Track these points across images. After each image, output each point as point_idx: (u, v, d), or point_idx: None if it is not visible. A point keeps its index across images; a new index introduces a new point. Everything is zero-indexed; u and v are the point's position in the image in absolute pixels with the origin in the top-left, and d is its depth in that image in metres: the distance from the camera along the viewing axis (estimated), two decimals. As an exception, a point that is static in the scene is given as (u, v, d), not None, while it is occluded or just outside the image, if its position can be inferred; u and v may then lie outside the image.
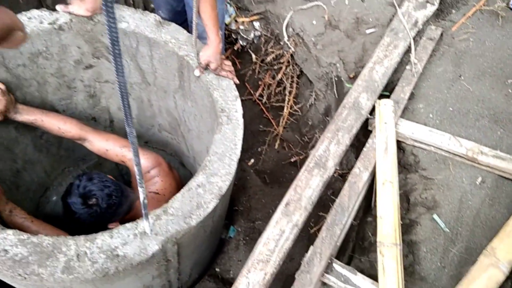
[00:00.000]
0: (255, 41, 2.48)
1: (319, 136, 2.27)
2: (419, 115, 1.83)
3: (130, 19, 1.85)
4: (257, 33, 2.42)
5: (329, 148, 1.58)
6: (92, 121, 2.41)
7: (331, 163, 1.54)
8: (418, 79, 1.92)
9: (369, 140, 1.71)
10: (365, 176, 1.59)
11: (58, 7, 1.77)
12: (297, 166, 2.43)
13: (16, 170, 2.12)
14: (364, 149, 1.68)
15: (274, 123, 2.53)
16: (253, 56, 2.52)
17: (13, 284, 1.43)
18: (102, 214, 1.71)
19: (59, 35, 1.81)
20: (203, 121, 2.01)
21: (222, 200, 1.52)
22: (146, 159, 1.95)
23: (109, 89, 2.22)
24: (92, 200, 1.68)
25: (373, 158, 1.64)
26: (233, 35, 2.46)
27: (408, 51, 1.99)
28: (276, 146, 2.51)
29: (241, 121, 1.67)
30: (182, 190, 1.48)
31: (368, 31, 2.05)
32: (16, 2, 2.42)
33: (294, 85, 2.35)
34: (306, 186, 1.47)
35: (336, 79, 2.03)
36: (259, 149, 2.48)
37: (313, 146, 2.24)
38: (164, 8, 2.27)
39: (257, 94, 2.53)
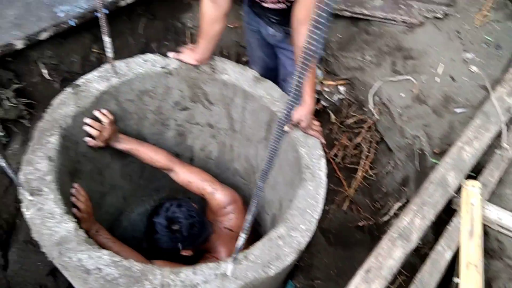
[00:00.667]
0: (337, 103, 2.58)
1: (393, 205, 2.28)
2: (506, 201, 1.81)
3: (231, 72, 2.01)
4: (341, 96, 2.53)
5: (413, 221, 1.60)
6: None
7: (415, 236, 1.56)
8: (508, 165, 1.91)
9: (454, 219, 1.70)
10: (448, 255, 1.58)
11: (170, 54, 1.97)
12: (364, 231, 2.43)
13: (103, 193, 2.29)
14: (449, 227, 1.68)
15: (345, 184, 2.57)
16: (332, 116, 2.61)
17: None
18: (180, 241, 1.82)
19: (166, 78, 2.00)
20: (281, 173, 2.09)
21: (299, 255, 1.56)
22: (224, 195, 2.07)
23: (197, 130, 2.38)
24: (176, 226, 1.81)
25: (457, 238, 1.63)
26: (316, 95, 2.58)
27: (499, 135, 1.99)
28: (345, 208, 2.53)
29: (324, 180, 1.73)
30: (263, 239, 1.55)
31: (457, 110, 2.09)
32: (126, 42, 2.69)
33: (372, 150, 2.40)
34: (388, 256, 1.49)
35: (419, 151, 2.06)
36: (327, 207, 2.51)
37: (385, 214, 2.25)
38: (258, 64, 2.44)
39: (332, 153, 2.59)
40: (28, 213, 1.45)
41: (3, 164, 1.27)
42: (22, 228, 2.36)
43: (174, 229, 1.82)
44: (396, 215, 2.21)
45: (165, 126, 2.30)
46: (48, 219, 1.45)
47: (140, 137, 2.27)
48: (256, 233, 2.33)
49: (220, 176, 2.76)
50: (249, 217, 1.13)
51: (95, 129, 1.83)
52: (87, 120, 1.80)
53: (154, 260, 1.83)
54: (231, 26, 2.84)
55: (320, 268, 2.47)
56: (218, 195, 2.08)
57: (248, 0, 2.10)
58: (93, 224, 1.91)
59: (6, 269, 2.22)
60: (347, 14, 2.56)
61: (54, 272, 2.39)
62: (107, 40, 1.64)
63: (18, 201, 2.37)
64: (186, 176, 2.11)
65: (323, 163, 1.77)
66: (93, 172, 2.08)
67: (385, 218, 2.25)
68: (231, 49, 2.92)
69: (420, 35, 2.40)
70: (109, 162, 2.19)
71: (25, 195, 1.47)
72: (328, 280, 2.41)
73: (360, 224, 2.43)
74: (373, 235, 2.43)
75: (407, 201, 2.17)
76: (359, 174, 2.46)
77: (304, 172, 1.73)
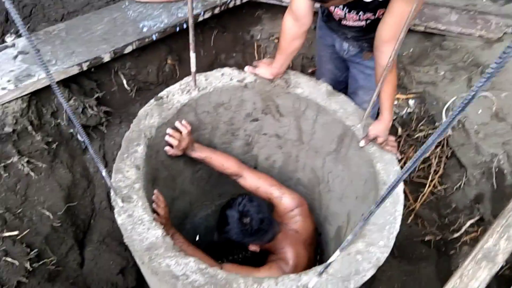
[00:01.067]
0: (405, 117, 2.56)
1: (465, 221, 2.23)
2: None
3: (305, 86, 2.04)
4: (409, 110, 2.51)
5: (499, 243, 1.57)
6: (239, 166, 2.63)
7: (500, 258, 1.53)
8: None
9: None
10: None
11: (246, 68, 2.04)
12: (430, 246, 2.39)
13: (173, 198, 2.38)
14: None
15: (410, 198, 2.54)
16: (399, 129, 2.59)
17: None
18: (249, 235, 1.90)
19: (242, 91, 2.07)
20: (351, 187, 2.10)
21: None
22: (292, 199, 2.14)
23: (264, 140, 2.43)
24: (247, 219, 1.89)
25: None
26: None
27: None
28: (409, 221, 2.50)
29: (401, 196, 1.73)
30: (342, 253, 1.56)
31: (540, 129, 2.03)
32: (198, 53, 2.77)
33: (442, 165, 2.36)
34: (473, 277, 1.48)
35: (497, 169, 2.02)
36: (390, 221, 2.48)
37: (455, 230, 2.21)
38: (327, 77, 2.47)
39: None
40: (120, 219, 1.54)
41: (104, 173, 1.36)
42: (96, 228, 2.50)
43: (245, 222, 1.90)
44: (467, 232, 2.16)
45: (235, 136, 2.36)
46: (138, 225, 1.53)
47: (211, 146, 2.35)
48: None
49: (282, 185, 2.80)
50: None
51: (175, 139, 1.91)
52: (169, 131, 1.89)
53: (224, 264, 1.90)
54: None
55: (383, 281, 2.46)
56: (285, 199, 2.14)
57: (324, 16, 2.13)
58: (170, 229, 2.01)
59: (82, 267, 2.35)
60: (420, 29, 2.53)
61: (123, 271, 2.51)
62: (192, 55, 1.72)
63: (93, 202, 2.52)
64: (254, 181, 2.18)
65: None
66: (167, 179, 2.18)
67: (455, 235, 2.20)
68: (295, 61, 2.97)
69: (498, 51, 2.34)
70: (182, 169, 2.28)
71: (117, 202, 1.56)
72: (391, 294, 2.39)
73: (426, 238, 2.40)
74: (440, 250, 2.39)
75: (481, 219, 2.13)
76: (427, 188, 2.42)
77: (381, 188, 1.74)
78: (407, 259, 2.42)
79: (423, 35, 2.61)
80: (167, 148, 1.95)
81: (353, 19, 1.88)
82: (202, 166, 2.46)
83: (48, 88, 2.10)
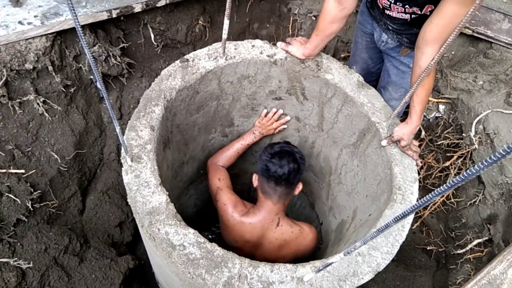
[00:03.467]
0: (432, 121, 2.46)
1: (472, 239, 2.18)
2: None
3: (336, 73, 1.96)
4: (438, 114, 2.41)
5: (507, 272, 1.51)
6: (253, 141, 2.58)
7: (505, 287, 1.48)
8: None
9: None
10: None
11: (279, 44, 1.95)
12: (430, 256, 2.34)
13: (182, 162, 2.36)
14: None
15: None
16: (423, 132, 2.50)
17: (175, 282, 1.58)
18: (299, 170, 1.90)
19: (270, 67, 1.99)
20: (364, 184, 2.05)
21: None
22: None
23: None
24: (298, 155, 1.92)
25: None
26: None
27: None
28: (414, 227, 2.45)
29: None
30: (341, 252, 1.53)
31: None
32: (231, 20, 2.68)
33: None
34: (473, 302, 1.43)
35: (517, 194, 1.94)
36: (395, 222, 2.43)
37: (460, 246, 2.15)
38: (359, 66, 2.37)
39: (413, 170, 2.49)
40: (126, 178, 1.51)
41: (117, 129, 1.32)
42: (102, 179, 2.49)
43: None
44: (472, 251, 2.11)
45: (254, 111, 2.30)
46: (144, 187, 1.51)
47: (229, 117, 2.30)
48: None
49: (292, 168, 2.76)
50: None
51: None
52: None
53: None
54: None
55: (378, 282, 2.44)
56: None
57: (369, 2, 2.02)
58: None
59: (82, 214, 2.36)
60: (468, 32, 2.40)
61: (121, 225, 2.52)
62: (226, 22, 1.64)
63: (102, 153, 2.51)
64: None
65: (416, 187, 1.71)
66: (180, 142, 2.14)
67: (459, 251, 2.15)
68: (330, 43, 2.85)
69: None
70: (196, 135, 2.24)
71: (126, 160, 1.52)
72: (385, 297, 2.37)
73: (428, 248, 2.35)
74: (439, 262, 2.34)
75: (489, 240, 2.06)
76: (439, 198, 2.35)
77: (395, 193, 1.68)
78: (404, 265, 2.39)
79: (468, 38, 2.47)
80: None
81: (398, 11, 1.77)
82: (216, 136, 2.42)
83: (74, 29, 2.04)
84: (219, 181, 2.16)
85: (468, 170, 0.66)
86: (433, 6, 1.61)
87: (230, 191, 2.10)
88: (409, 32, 1.88)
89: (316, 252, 2.74)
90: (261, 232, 1.97)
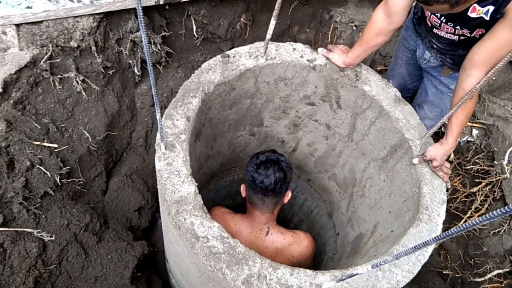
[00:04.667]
0: (462, 143, 2.43)
1: (492, 269, 2.14)
2: None
3: (374, 85, 1.95)
4: (470, 139, 2.37)
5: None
6: (279, 143, 2.59)
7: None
8: None
9: None
10: None
11: (320, 50, 1.95)
12: (445, 280, 2.31)
13: (208, 155, 2.37)
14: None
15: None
16: (452, 155, 2.47)
17: (192, 273, 1.59)
18: (286, 179, 1.84)
19: (308, 72, 1.99)
20: (388, 199, 2.03)
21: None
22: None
23: (313, 126, 2.36)
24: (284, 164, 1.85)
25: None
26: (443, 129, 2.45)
27: None
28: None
29: (440, 226, 1.65)
30: (367, 264, 1.51)
31: None
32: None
33: (486, 205, 2.25)
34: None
35: (546, 229, 1.90)
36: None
37: (479, 275, 2.12)
38: (396, 80, 2.35)
39: (437, 191, 2.46)
40: (158, 164, 1.53)
41: (158, 115, 1.33)
42: (127, 162, 2.53)
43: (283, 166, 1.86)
44: (491, 280, 2.07)
45: (285, 114, 2.31)
46: (175, 176, 1.52)
47: (259, 117, 2.30)
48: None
49: (314, 175, 2.75)
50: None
51: None
52: None
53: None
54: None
55: (388, 300, 2.40)
56: None
57: (415, 18, 2.00)
58: None
59: (105, 195, 2.39)
60: (512, 58, 2.35)
61: (140, 210, 2.55)
62: (273, 23, 1.64)
63: (131, 137, 2.54)
64: None
65: (443, 208, 1.69)
66: (209, 136, 2.16)
67: (477, 279, 2.11)
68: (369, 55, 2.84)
69: None
70: (226, 131, 2.25)
71: (161, 147, 1.54)
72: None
73: (444, 272, 2.32)
74: (454, 288, 2.31)
75: (511, 272, 2.02)
76: (462, 222, 2.32)
77: (421, 212, 1.66)
78: (418, 286, 2.36)
79: (510, 65, 2.43)
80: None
81: (448, 31, 1.75)
82: (244, 134, 2.43)
83: (120, 12, 2.08)
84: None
85: (502, 208, 0.66)
86: (484, 30, 1.59)
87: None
88: (454, 53, 1.86)
89: (321, 262, 2.73)
90: (250, 242, 1.94)
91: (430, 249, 1.59)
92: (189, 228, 1.44)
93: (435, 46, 1.91)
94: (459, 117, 1.60)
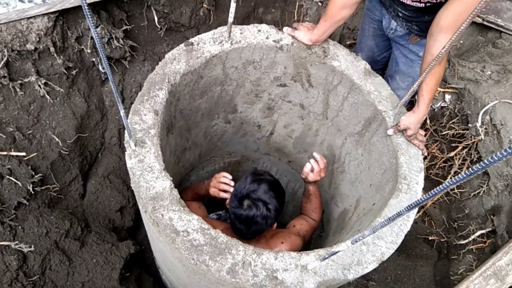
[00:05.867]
0: (437, 110, 2.44)
1: (475, 230, 2.17)
2: None
3: (343, 60, 1.93)
4: (443, 104, 2.38)
5: (512, 264, 1.51)
6: (256, 128, 2.56)
7: (511, 278, 1.47)
8: None
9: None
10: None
11: (285, 29, 1.91)
12: (432, 246, 2.34)
13: (184, 148, 2.34)
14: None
15: (423, 194, 2.47)
16: (428, 122, 2.48)
17: (178, 268, 1.57)
18: (272, 218, 1.75)
19: (276, 53, 1.96)
20: (368, 173, 2.03)
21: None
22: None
23: (287, 108, 2.34)
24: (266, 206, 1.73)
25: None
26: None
27: None
28: (416, 216, 2.44)
29: (419, 195, 1.66)
30: (347, 241, 1.51)
31: None
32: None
33: (464, 168, 2.27)
34: (478, 293, 1.43)
35: (523, 186, 1.93)
36: (397, 212, 2.42)
37: (463, 237, 2.15)
38: (364, 53, 2.34)
39: (416, 159, 2.48)
40: (130, 162, 1.49)
41: (122, 112, 1.29)
42: (103, 163, 2.47)
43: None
44: (475, 241, 2.10)
45: (258, 98, 2.27)
46: (148, 172, 1.49)
47: (232, 103, 2.27)
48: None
49: (294, 156, 2.74)
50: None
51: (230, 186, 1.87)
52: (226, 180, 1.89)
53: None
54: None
55: (378, 271, 2.44)
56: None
57: None
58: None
59: (83, 199, 2.35)
60: (478, 20, 2.35)
61: (122, 209, 2.51)
62: (233, 5, 1.60)
63: (104, 137, 2.48)
64: None
65: (421, 176, 1.69)
66: (183, 128, 2.12)
67: (462, 241, 2.15)
68: (335, 29, 2.81)
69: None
70: (199, 121, 2.22)
71: (130, 144, 1.50)
72: (383, 284, 2.37)
73: (430, 238, 2.35)
74: (441, 252, 2.34)
75: (493, 231, 2.06)
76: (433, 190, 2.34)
77: (400, 182, 1.66)
78: (405, 254, 2.39)
79: (477, 27, 2.43)
80: (223, 194, 1.88)
81: None
82: (218, 122, 2.39)
83: (76, 9, 2.00)
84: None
85: (477, 165, 0.65)
86: None
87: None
88: (420, 20, 1.84)
89: (310, 240, 2.74)
90: None
91: (411, 217, 1.60)
92: (168, 224, 1.41)
93: (400, 14, 1.90)
94: (429, 83, 1.59)
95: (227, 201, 1.87)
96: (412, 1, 1.74)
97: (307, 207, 2.16)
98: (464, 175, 0.67)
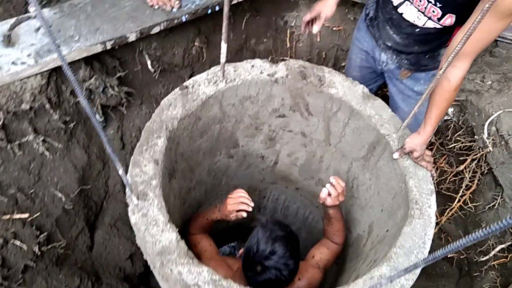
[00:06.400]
0: (440, 123, 2.40)
1: (495, 245, 2.10)
2: None
3: (339, 86, 1.91)
4: (446, 117, 2.34)
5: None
6: (259, 159, 2.53)
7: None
8: None
9: None
10: None
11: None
12: (452, 264, 2.27)
13: (189, 188, 2.30)
14: None
15: (436, 211, 2.41)
16: (433, 136, 2.44)
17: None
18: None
19: (271, 86, 1.94)
20: (378, 197, 1.98)
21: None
22: None
23: (289, 137, 2.31)
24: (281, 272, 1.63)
25: None
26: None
27: None
28: (432, 234, 2.37)
29: (433, 219, 1.61)
30: (364, 276, 1.46)
31: None
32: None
33: (475, 181, 2.22)
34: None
35: (539, 196, 1.88)
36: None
37: (482, 252, 2.08)
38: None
39: (426, 175, 2.43)
40: (133, 218, 1.46)
41: (120, 171, 1.26)
42: (109, 211, 2.44)
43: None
44: (496, 257, 2.03)
45: (258, 130, 2.25)
46: (152, 226, 1.45)
47: (233, 138, 2.24)
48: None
49: (301, 183, 2.70)
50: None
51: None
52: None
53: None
54: (334, 28, 2.71)
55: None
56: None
57: (368, 20, 1.96)
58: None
59: (92, 250, 2.31)
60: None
61: (132, 256, 2.46)
62: (224, 46, 1.59)
63: (107, 185, 2.46)
64: None
65: (433, 199, 1.65)
66: (185, 170, 2.09)
67: (482, 258, 2.08)
68: (330, 52, 2.80)
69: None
70: (201, 160, 2.19)
71: (132, 199, 1.47)
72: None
73: (449, 255, 2.28)
74: (462, 270, 2.27)
75: (513, 245, 2.00)
76: (456, 203, 2.28)
77: (412, 208, 1.62)
78: (426, 274, 2.32)
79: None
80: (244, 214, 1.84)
81: (418, 6, 1.61)
82: (221, 158, 2.37)
83: (69, 64, 2.00)
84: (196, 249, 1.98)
85: (480, 232, 0.64)
86: (454, 17, 1.53)
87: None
88: (410, 50, 1.82)
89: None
90: None
91: (427, 245, 1.56)
92: (178, 279, 1.37)
93: (389, 44, 1.87)
94: (439, 106, 1.54)
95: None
96: (417, 10, 1.64)
97: (329, 230, 2.09)
98: (470, 239, 0.66)
